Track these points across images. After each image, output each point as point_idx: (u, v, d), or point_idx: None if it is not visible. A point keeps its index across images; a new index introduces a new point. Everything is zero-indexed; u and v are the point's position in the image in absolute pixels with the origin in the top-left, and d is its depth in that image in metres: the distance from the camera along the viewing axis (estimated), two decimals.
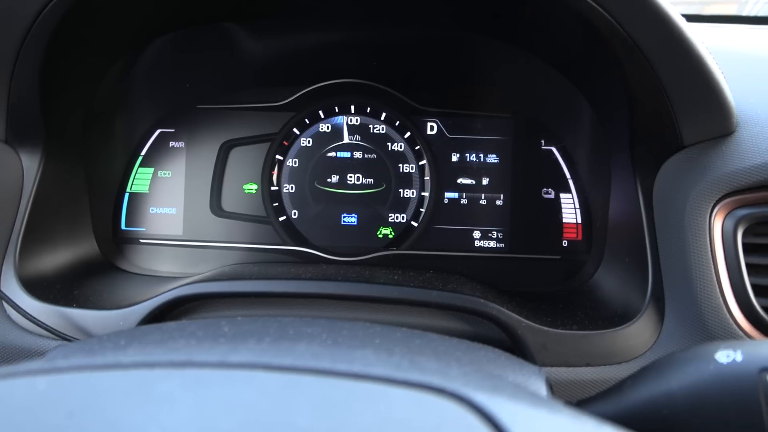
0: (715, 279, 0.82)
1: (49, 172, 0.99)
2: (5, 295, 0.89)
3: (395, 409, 0.32)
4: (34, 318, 0.88)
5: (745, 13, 1.63)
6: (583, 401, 0.58)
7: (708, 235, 0.84)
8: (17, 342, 0.90)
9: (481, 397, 0.33)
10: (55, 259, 1.03)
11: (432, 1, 1.02)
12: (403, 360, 0.42)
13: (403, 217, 1.21)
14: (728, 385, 0.48)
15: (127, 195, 1.22)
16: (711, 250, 0.83)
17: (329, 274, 0.99)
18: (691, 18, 0.80)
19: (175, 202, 1.22)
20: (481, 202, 1.21)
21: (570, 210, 1.18)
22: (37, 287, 0.94)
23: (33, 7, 0.81)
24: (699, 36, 0.80)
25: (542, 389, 0.55)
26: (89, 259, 1.11)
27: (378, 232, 1.21)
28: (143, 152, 1.22)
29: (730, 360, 0.49)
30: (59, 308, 0.91)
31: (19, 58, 0.86)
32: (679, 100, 0.83)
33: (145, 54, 1.11)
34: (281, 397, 0.32)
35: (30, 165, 0.97)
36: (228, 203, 1.22)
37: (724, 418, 0.48)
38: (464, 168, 1.21)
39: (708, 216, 0.84)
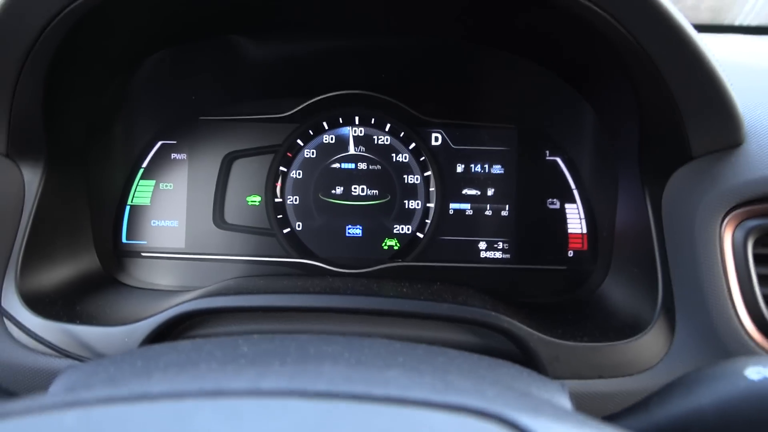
0: (726, 290, 0.82)
1: (50, 186, 0.97)
2: (6, 311, 0.87)
3: None
4: (37, 335, 0.86)
5: (741, 23, 1.65)
6: (609, 417, 0.58)
7: (718, 246, 0.83)
8: (20, 360, 0.88)
9: (527, 420, 0.33)
10: (56, 274, 1.01)
11: (436, 12, 1.02)
12: (436, 381, 0.41)
13: (408, 229, 1.21)
14: (760, 401, 0.48)
15: (128, 208, 1.20)
16: (721, 261, 0.83)
17: (336, 287, 0.98)
18: (697, 28, 0.80)
19: (177, 215, 1.21)
20: (487, 212, 1.20)
21: (575, 220, 1.18)
22: (38, 303, 0.92)
23: (38, 21, 0.80)
24: (709, 47, 0.80)
25: (567, 406, 0.54)
26: (91, 274, 1.09)
27: (383, 244, 1.20)
28: (145, 164, 1.20)
29: (761, 377, 0.49)
30: (62, 325, 0.89)
31: (22, 73, 0.85)
32: (689, 111, 0.83)
33: (145, 66, 1.10)
34: (322, 427, 0.31)
35: (31, 179, 0.96)
36: (231, 215, 1.21)
37: None
38: (469, 179, 1.20)
39: (718, 227, 0.84)
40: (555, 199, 1.19)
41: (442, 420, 0.32)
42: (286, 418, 0.32)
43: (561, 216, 1.19)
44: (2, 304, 0.89)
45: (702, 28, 1.51)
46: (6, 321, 0.89)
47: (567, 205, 1.19)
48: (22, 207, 0.94)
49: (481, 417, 0.32)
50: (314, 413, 0.32)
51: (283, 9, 1.02)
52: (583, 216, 1.18)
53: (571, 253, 1.18)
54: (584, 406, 0.85)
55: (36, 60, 0.84)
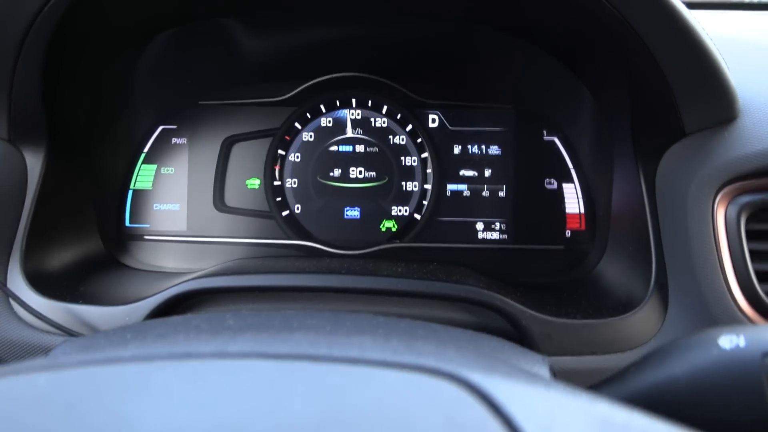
0: (718, 266, 0.83)
1: (52, 170, 0.99)
2: (11, 291, 0.90)
3: (389, 391, 0.33)
4: (41, 314, 0.88)
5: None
6: (587, 388, 0.58)
7: (711, 222, 0.83)
8: (24, 338, 0.91)
9: (476, 377, 0.34)
10: (60, 256, 1.03)
11: None
12: (400, 345, 0.42)
13: (405, 210, 1.21)
14: (731, 370, 0.48)
15: (130, 192, 1.22)
16: (714, 237, 0.83)
17: (333, 267, 1.00)
18: (693, 5, 0.79)
19: (178, 199, 1.23)
20: (484, 193, 1.21)
21: (573, 200, 1.18)
22: (43, 284, 0.95)
23: (32, 5, 0.82)
24: (700, 22, 0.80)
25: (545, 375, 0.55)
26: (94, 256, 1.12)
27: (381, 226, 1.21)
28: (146, 149, 1.23)
29: (733, 345, 0.49)
30: (65, 304, 0.92)
31: (20, 57, 0.87)
32: (681, 86, 0.83)
33: (145, 51, 1.12)
34: (276, 384, 0.33)
35: (33, 163, 0.98)
36: (231, 199, 1.23)
37: (727, 403, 0.48)
38: (466, 160, 1.21)
39: (711, 203, 0.84)
40: (552, 179, 1.19)
41: (393, 378, 0.34)
42: (244, 376, 0.33)
43: (558, 196, 1.19)
44: (8, 285, 0.92)
45: (710, 5, 1.50)
46: (11, 301, 0.91)
47: (564, 185, 1.19)
48: (25, 191, 0.97)
49: (433, 375, 0.33)
50: (271, 372, 0.34)
51: None
52: (580, 196, 1.18)
53: (568, 233, 1.18)
54: (576, 382, 0.85)
55: (32, 45, 0.86)
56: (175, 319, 0.61)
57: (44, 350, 0.91)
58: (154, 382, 0.32)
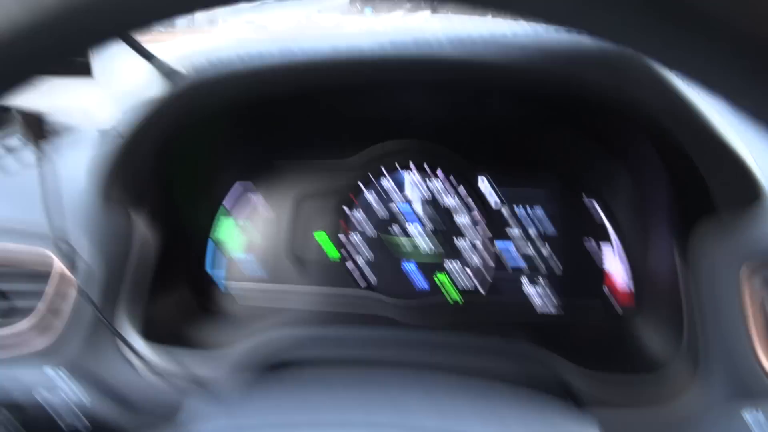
0: (745, 331, 0.91)
1: (152, 226, 1.14)
2: (125, 339, 1.03)
3: None
4: (153, 364, 1.01)
5: None
6: None
7: (738, 292, 0.93)
8: (132, 381, 1.04)
9: None
10: (157, 302, 1.18)
11: (492, 98, 1.15)
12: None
13: (457, 263, 1.34)
14: None
15: (211, 242, 1.37)
16: (741, 306, 0.92)
17: (410, 340, 1.09)
18: None
19: (254, 248, 1.37)
20: (528, 250, 1.32)
21: (611, 259, 1.28)
22: (145, 329, 1.09)
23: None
24: (720, 115, 0.90)
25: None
26: (183, 301, 1.26)
27: (434, 277, 1.34)
28: (226, 204, 1.37)
29: None
30: (165, 347, 1.06)
31: (141, 145, 1.01)
32: (709, 173, 0.93)
33: (229, 125, 1.26)
34: None
35: (138, 221, 1.13)
36: (300, 249, 1.36)
37: None
38: (513, 219, 1.32)
39: (738, 275, 0.93)
40: (591, 239, 1.29)
41: None
42: None
43: (597, 254, 1.29)
44: (119, 330, 1.06)
45: None
46: (119, 343, 1.05)
47: (603, 244, 1.28)
48: (131, 245, 1.12)
49: None
50: None
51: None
52: (617, 255, 1.28)
53: (605, 290, 1.28)
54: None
55: (155, 135, 1.01)
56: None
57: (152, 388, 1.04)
58: None
